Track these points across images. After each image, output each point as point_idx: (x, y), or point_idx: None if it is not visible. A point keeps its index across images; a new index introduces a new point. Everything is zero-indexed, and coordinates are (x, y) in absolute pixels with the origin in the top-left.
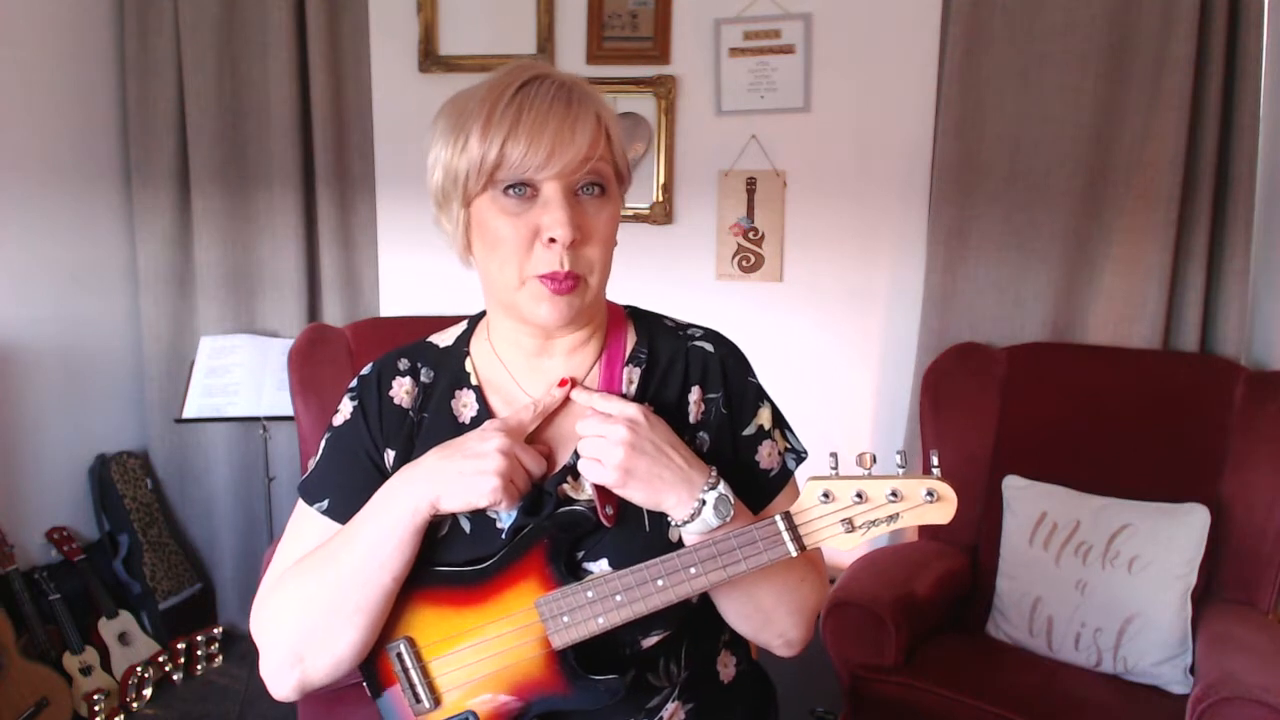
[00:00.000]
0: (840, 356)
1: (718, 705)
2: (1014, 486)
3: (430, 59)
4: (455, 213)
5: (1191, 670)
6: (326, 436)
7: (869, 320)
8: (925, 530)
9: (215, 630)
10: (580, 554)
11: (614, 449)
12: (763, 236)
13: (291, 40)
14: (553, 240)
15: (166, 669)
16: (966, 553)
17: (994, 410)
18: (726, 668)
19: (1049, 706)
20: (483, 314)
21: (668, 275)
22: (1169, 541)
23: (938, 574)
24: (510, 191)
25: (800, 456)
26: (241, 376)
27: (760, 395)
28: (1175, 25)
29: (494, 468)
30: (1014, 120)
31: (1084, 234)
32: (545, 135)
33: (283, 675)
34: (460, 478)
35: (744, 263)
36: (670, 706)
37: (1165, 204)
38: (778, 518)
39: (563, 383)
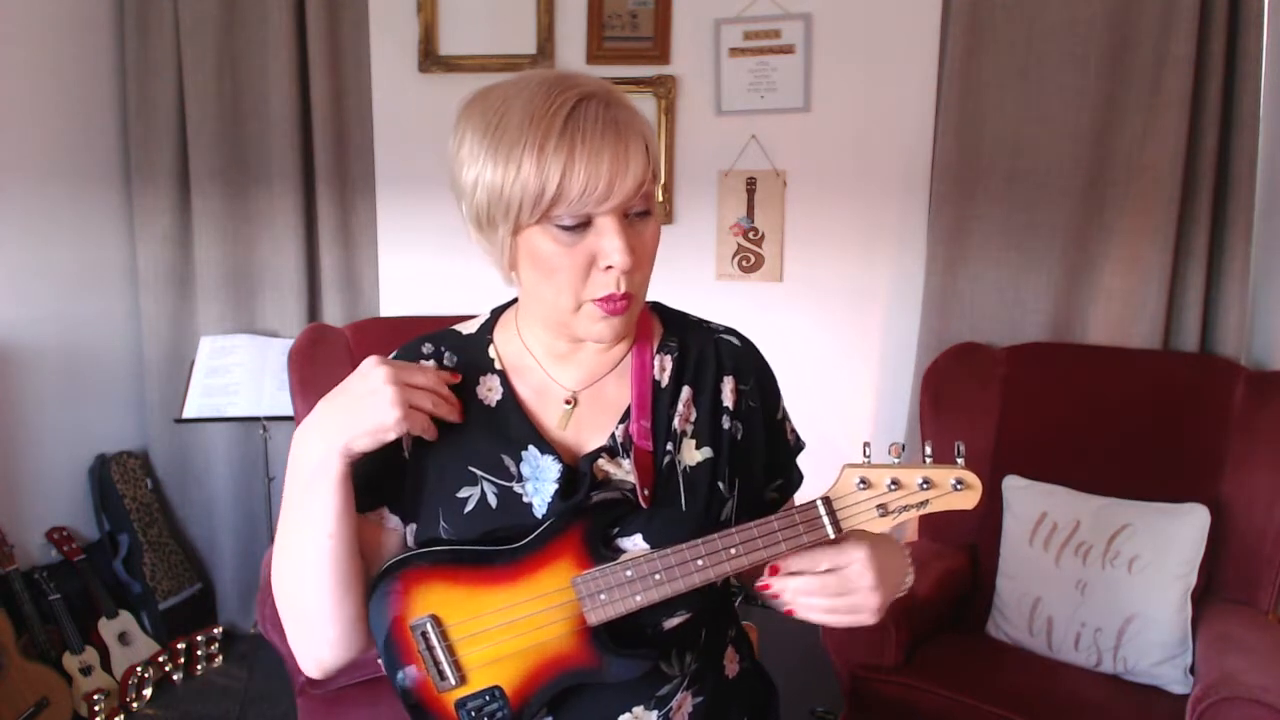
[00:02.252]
0: (840, 356)
1: (723, 700)
2: (1014, 486)
3: (430, 59)
4: (501, 237)
5: (1191, 670)
6: None
7: (869, 320)
8: (925, 530)
9: (215, 630)
10: (615, 530)
11: (870, 599)
12: (763, 236)
13: (291, 40)
14: (609, 266)
15: (166, 669)
16: (966, 552)
17: (994, 410)
18: (731, 663)
19: (1049, 706)
20: (505, 306)
21: (668, 275)
22: (1169, 541)
23: (938, 574)
24: (564, 227)
25: (799, 439)
26: (241, 376)
27: (778, 385)
28: (1175, 25)
29: (390, 398)
30: (1014, 120)
31: (1084, 234)
32: (602, 170)
33: (301, 658)
34: (361, 415)
35: (744, 263)
36: (680, 696)
37: (1165, 204)
38: (818, 502)
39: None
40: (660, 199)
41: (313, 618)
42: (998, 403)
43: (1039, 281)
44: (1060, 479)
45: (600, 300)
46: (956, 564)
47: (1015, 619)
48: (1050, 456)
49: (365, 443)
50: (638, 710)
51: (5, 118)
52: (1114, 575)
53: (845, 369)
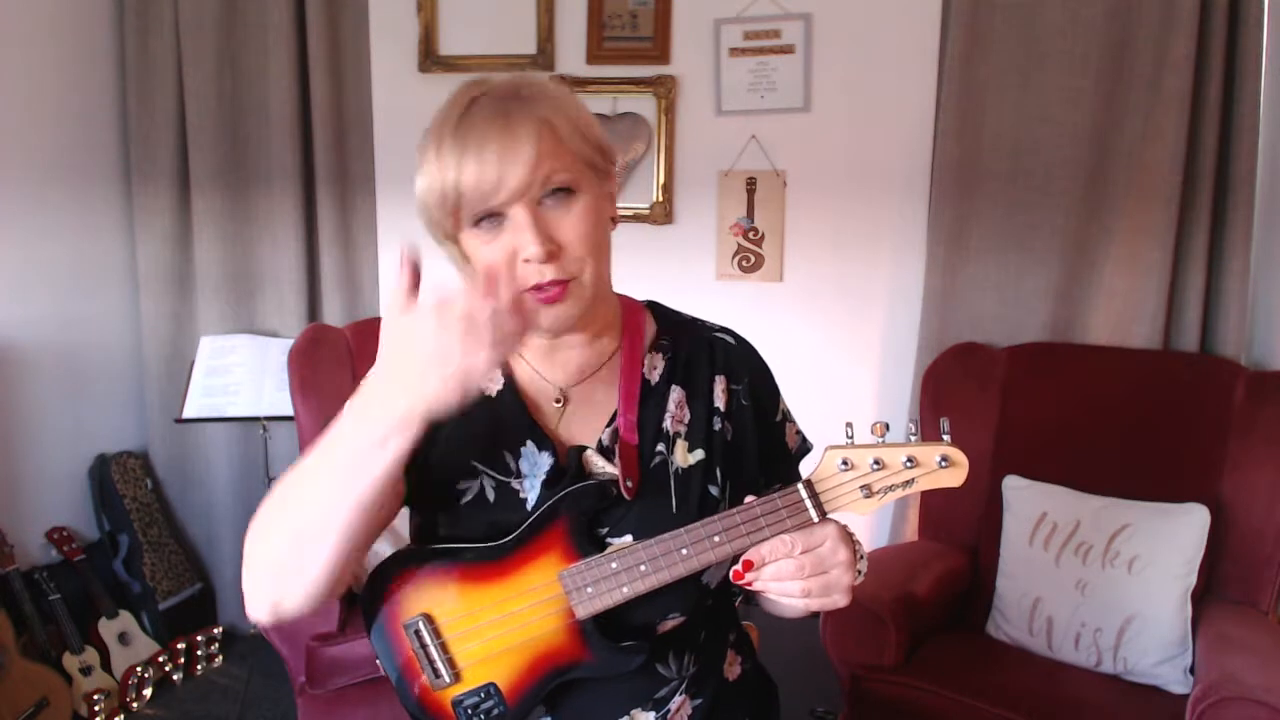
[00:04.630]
0: (840, 357)
1: (723, 702)
2: (1014, 486)
3: (430, 59)
4: (453, 251)
5: (1191, 670)
6: None
7: (869, 320)
8: (925, 530)
9: (215, 630)
10: (605, 530)
11: (843, 576)
12: (763, 236)
13: (291, 40)
14: (527, 259)
15: (166, 669)
16: (966, 552)
17: (994, 410)
18: (732, 667)
19: (1049, 706)
20: None
21: (668, 275)
22: (1169, 541)
23: (938, 574)
24: (481, 224)
25: (806, 441)
26: (241, 376)
27: (776, 386)
28: (1175, 25)
29: (487, 339)
30: (1014, 120)
31: (1084, 234)
32: (489, 164)
33: (259, 593)
34: (425, 349)
35: (744, 263)
36: (678, 699)
37: (1165, 204)
38: (800, 486)
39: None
40: (660, 200)
41: (304, 559)
42: (998, 403)
43: (1039, 281)
44: (1060, 479)
45: (532, 291)
46: (956, 564)
47: (1015, 619)
48: (1050, 456)
49: (452, 399)
50: (636, 712)
51: (5, 117)
52: (1114, 575)
53: (845, 369)
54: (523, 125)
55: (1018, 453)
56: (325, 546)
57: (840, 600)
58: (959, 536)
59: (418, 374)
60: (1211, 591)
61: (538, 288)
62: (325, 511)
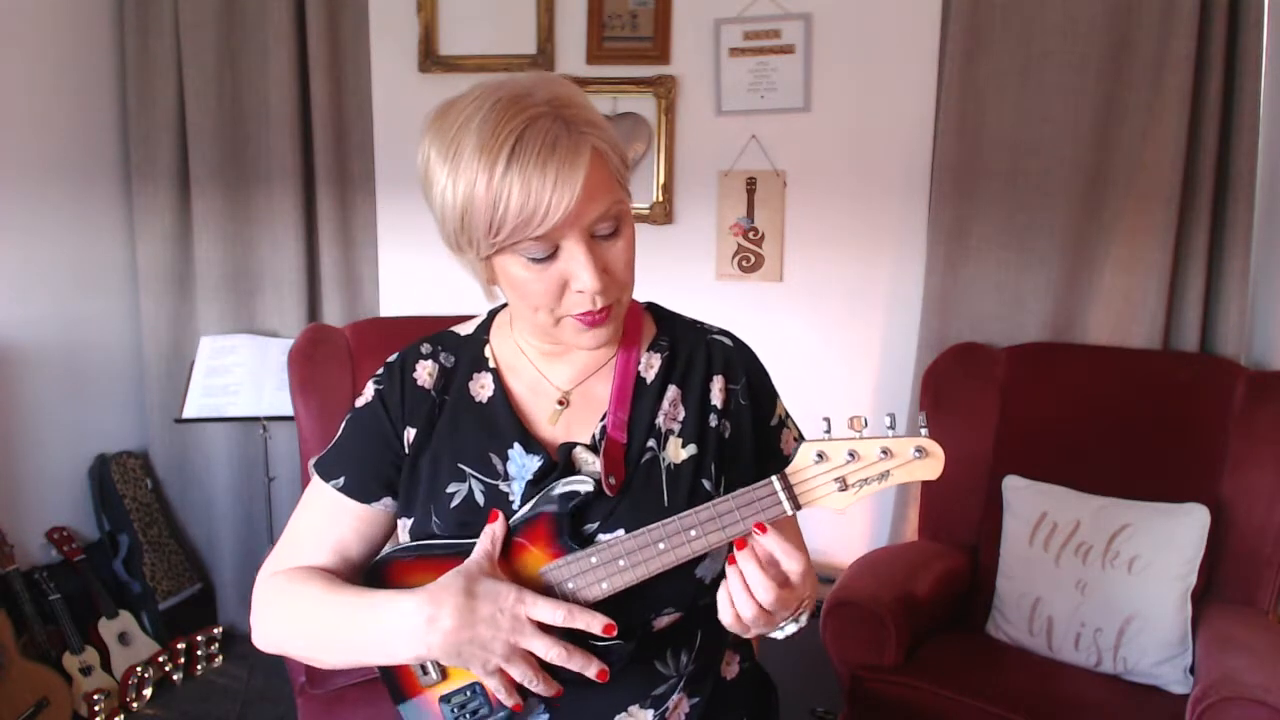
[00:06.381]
0: (840, 357)
1: (721, 701)
2: (1014, 486)
3: (430, 59)
4: (472, 259)
5: (1191, 670)
6: (348, 417)
7: (869, 320)
8: (925, 530)
9: (215, 630)
10: (595, 525)
11: (784, 610)
12: (763, 236)
13: (291, 40)
14: (581, 290)
15: (166, 669)
16: (966, 552)
17: (994, 410)
18: (730, 665)
19: (1049, 706)
20: (501, 306)
21: (668, 275)
22: (1169, 541)
23: (938, 574)
24: (533, 256)
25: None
26: (241, 376)
27: (774, 388)
28: (1175, 25)
29: (501, 659)
30: (1014, 120)
31: (1084, 234)
32: (554, 198)
33: (267, 649)
34: (471, 651)
35: (744, 263)
36: (675, 697)
37: (1165, 204)
38: (774, 479)
39: (493, 516)
40: (660, 200)
41: (311, 661)
42: (997, 403)
43: (1039, 281)
44: (1060, 479)
45: (579, 315)
46: (956, 564)
47: (1015, 619)
48: (1050, 456)
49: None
50: (634, 709)
51: (5, 117)
52: (1114, 575)
53: (845, 369)
54: (580, 155)
55: (1018, 453)
56: (331, 660)
57: (764, 628)
58: (959, 536)
59: (450, 636)
60: (1211, 591)
61: (586, 314)
62: (334, 652)
